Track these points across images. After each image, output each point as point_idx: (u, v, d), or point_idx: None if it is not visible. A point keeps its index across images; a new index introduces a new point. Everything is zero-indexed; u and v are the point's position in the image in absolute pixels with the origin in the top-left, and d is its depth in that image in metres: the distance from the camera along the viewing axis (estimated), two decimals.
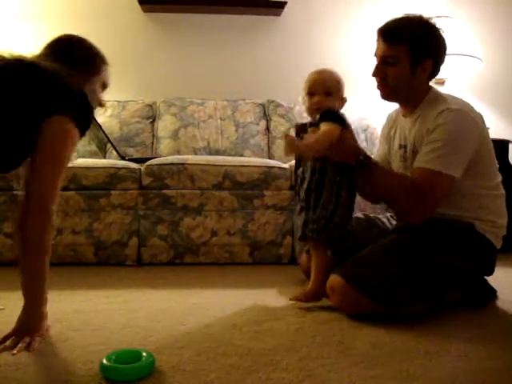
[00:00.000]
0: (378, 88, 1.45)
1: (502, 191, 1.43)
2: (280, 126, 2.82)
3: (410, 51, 1.36)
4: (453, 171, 1.30)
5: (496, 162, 1.44)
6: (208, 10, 3.03)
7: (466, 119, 1.33)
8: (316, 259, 1.39)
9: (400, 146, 1.51)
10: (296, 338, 1.12)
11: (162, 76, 3.06)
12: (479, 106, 3.19)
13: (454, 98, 1.41)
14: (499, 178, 1.44)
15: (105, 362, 0.89)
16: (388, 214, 1.69)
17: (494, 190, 1.41)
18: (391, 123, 1.60)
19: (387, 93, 1.44)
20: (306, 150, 1.28)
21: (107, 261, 2.10)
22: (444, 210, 1.37)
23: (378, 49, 1.43)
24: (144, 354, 0.93)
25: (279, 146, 2.77)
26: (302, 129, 1.41)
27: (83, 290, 1.60)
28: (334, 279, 1.28)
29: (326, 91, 1.40)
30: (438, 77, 2.98)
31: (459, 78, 2.99)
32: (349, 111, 2.83)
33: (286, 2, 3.00)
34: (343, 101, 1.44)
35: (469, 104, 1.39)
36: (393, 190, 1.36)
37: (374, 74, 1.43)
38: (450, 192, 1.33)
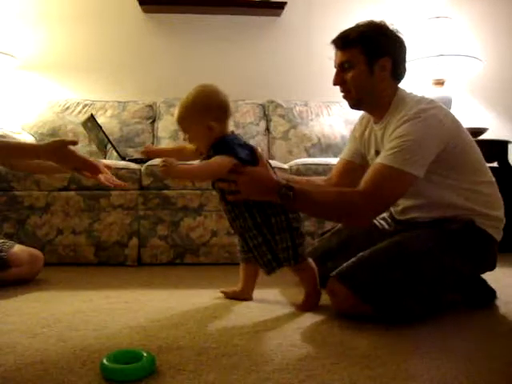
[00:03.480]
0: (344, 98, 1.44)
1: (492, 179, 1.41)
2: (280, 127, 2.83)
3: (364, 52, 1.35)
4: (412, 168, 1.25)
5: (480, 153, 1.41)
6: (208, 11, 3.03)
7: (431, 117, 1.29)
8: (302, 276, 1.38)
9: (376, 153, 1.49)
10: (296, 339, 1.12)
11: (162, 76, 3.06)
12: (479, 106, 3.22)
13: (421, 98, 1.37)
14: (487, 167, 1.41)
15: (105, 362, 0.89)
16: (385, 215, 1.67)
17: (486, 183, 1.39)
18: (365, 123, 1.57)
19: (353, 99, 1.42)
20: (178, 174, 1.25)
21: (107, 261, 2.10)
22: (442, 212, 1.37)
23: (335, 59, 1.43)
24: (144, 354, 0.92)
25: (279, 146, 2.78)
26: None
27: (83, 290, 1.60)
28: (334, 283, 1.27)
29: (184, 133, 1.34)
30: (438, 77, 3.00)
31: (459, 78, 3.00)
32: (346, 113, 2.87)
33: (285, 2, 3.00)
34: (210, 130, 1.28)
35: (435, 103, 1.35)
36: (331, 207, 1.30)
37: (334, 83, 1.42)
38: (420, 191, 1.32)
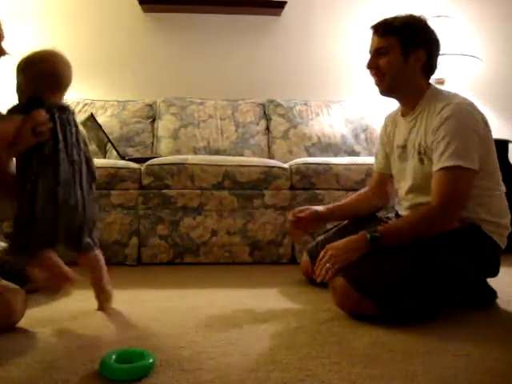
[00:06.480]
0: (376, 83, 1.46)
1: (503, 188, 1.43)
2: (280, 126, 2.82)
3: (401, 40, 1.39)
4: (470, 163, 1.28)
5: (497, 159, 1.43)
6: (208, 10, 3.03)
7: (467, 112, 1.33)
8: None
9: (398, 147, 1.51)
10: (296, 338, 1.12)
11: (162, 76, 3.06)
12: (479, 106, 3.20)
13: (455, 94, 1.41)
14: (500, 176, 1.43)
15: (105, 361, 0.89)
16: (390, 214, 1.68)
17: (497, 191, 1.40)
18: (389, 124, 1.60)
19: (385, 86, 1.44)
20: None
21: (107, 261, 2.05)
22: None
23: (371, 44, 1.46)
24: (144, 353, 0.93)
25: (279, 145, 2.78)
26: None
27: (83, 290, 1.59)
28: (337, 279, 1.27)
29: None
30: (438, 76, 2.99)
31: (459, 77, 2.99)
32: (346, 112, 2.87)
33: (285, 2, 3.00)
34: (21, 89, 1.27)
35: (468, 100, 1.38)
36: (414, 232, 1.32)
37: (368, 66, 1.45)
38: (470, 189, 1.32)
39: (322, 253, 1.33)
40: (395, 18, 1.42)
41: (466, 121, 1.32)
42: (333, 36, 3.14)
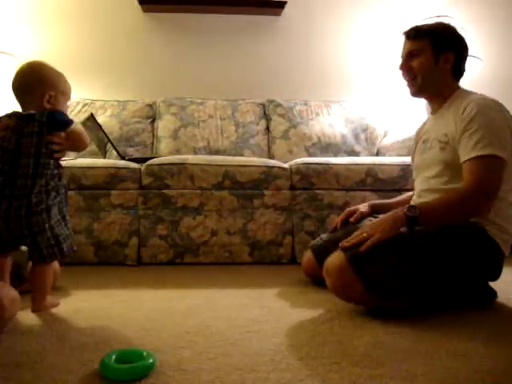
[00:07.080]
0: (408, 85, 1.52)
1: None
2: (280, 126, 2.83)
3: (432, 43, 1.46)
4: (500, 152, 1.29)
5: None
6: (208, 10, 3.03)
7: (498, 110, 1.36)
8: None
9: (421, 142, 1.57)
10: (296, 338, 1.12)
11: (162, 76, 3.06)
12: None
13: (482, 94, 1.44)
14: None
15: (105, 361, 0.89)
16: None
17: (509, 197, 1.40)
18: (419, 129, 1.65)
19: (416, 87, 1.49)
20: None
21: (107, 261, 2.10)
22: None
23: (403, 48, 1.52)
24: (144, 353, 0.92)
25: (279, 145, 2.78)
26: None
27: (83, 290, 1.60)
28: (335, 257, 1.28)
29: None
30: None
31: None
32: (346, 112, 2.88)
33: (285, 2, 3.00)
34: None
35: (497, 101, 1.42)
36: (450, 214, 1.32)
37: (401, 67, 1.51)
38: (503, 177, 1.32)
39: (358, 232, 1.32)
40: (425, 24, 1.51)
41: (500, 116, 1.35)
42: (333, 36, 3.15)
